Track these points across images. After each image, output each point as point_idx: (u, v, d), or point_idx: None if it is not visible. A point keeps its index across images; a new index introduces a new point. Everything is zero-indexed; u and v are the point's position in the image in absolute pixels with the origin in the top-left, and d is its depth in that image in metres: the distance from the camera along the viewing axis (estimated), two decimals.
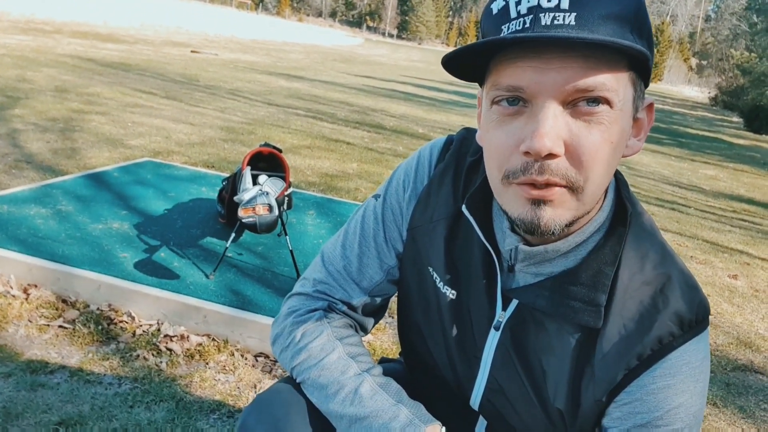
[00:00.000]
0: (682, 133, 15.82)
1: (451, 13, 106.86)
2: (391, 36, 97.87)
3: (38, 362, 1.94)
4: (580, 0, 0.63)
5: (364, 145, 6.62)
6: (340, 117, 8.42)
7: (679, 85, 75.26)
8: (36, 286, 2.32)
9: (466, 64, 0.71)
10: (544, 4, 0.63)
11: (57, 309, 2.23)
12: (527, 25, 0.64)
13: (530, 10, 0.64)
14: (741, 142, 16.60)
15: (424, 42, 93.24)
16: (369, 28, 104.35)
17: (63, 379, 1.88)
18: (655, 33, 77.65)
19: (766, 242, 5.27)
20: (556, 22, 0.63)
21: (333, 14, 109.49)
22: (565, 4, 0.63)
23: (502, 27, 0.67)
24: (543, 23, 0.63)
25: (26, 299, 2.25)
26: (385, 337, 2.43)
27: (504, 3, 0.67)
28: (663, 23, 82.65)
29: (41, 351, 2.00)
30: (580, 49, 0.63)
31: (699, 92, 57.05)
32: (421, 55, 45.95)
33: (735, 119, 25.97)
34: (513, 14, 0.66)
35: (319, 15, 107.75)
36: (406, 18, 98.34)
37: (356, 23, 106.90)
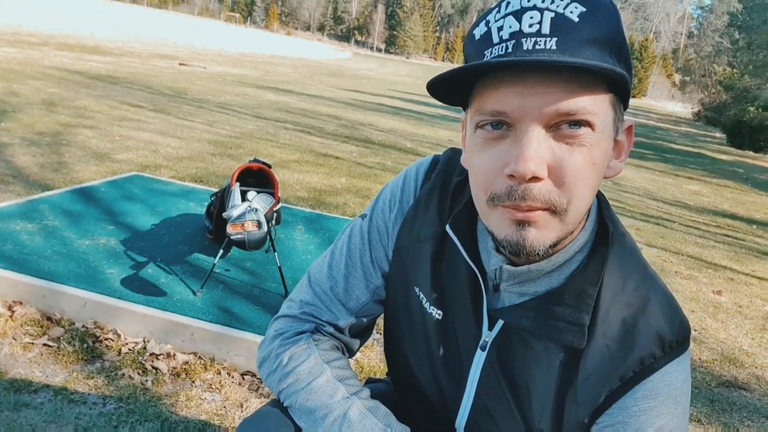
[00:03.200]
0: (666, 149, 16.01)
1: (438, 28, 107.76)
2: (379, 50, 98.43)
3: (22, 381, 1.91)
4: (560, 25, 0.64)
5: (352, 159, 6.63)
6: (328, 131, 8.45)
7: (663, 100, 76.33)
8: (21, 303, 2.30)
9: (449, 89, 0.72)
10: (526, 29, 0.65)
11: (42, 326, 2.20)
12: (509, 50, 0.65)
13: (512, 35, 0.66)
14: (724, 157, 16.83)
15: (412, 56, 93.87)
16: (357, 42, 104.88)
17: (47, 399, 1.85)
18: (639, 49, 78.83)
19: (749, 258, 5.34)
20: (537, 46, 0.64)
21: (321, 28, 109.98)
22: (546, 30, 0.64)
23: (485, 52, 0.68)
24: (525, 48, 0.65)
25: (11, 317, 2.22)
26: (372, 355, 2.42)
27: (486, 29, 0.69)
28: (646, 40, 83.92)
29: (25, 370, 1.98)
30: (562, 73, 0.65)
31: (682, 108, 57.91)
32: (409, 69, 46.24)
33: (718, 135, 26.34)
34: (495, 39, 0.67)
35: (308, 29, 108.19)
36: (394, 32, 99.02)
37: (344, 37, 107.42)
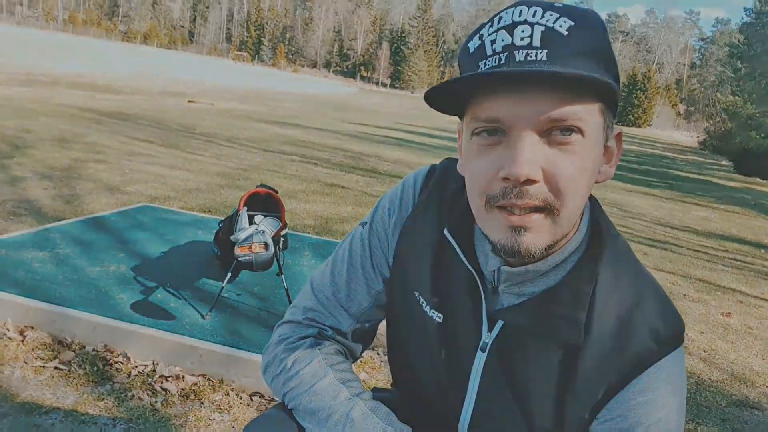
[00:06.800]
0: (673, 176, 16.03)
1: (442, 62, 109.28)
2: (384, 85, 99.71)
3: (33, 403, 1.93)
4: (550, 38, 0.69)
5: (359, 188, 6.70)
6: (335, 162, 8.54)
7: (668, 129, 76.64)
8: (32, 327, 2.33)
9: (447, 99, 0.76)
10: (518, 42, 0.69)
11: (53, 350, 2.23)
12: (503, 61, 0.70)
13: (505, 48, 0.70)
14: (731, 184, 16.81)
15: (417, 90, 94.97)
16: (363, 77, 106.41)
17: (58, 420, 1.87)
18: (642, 80, 79.47)
19: (758, 280, 5.30)
20: (529, 58, 0.68)
21: (327, 65, 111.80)
22: (536, 42, 0.69)
23: (479, 63, 0.72)
24: (517, 59, 0.69)
25: (22, 341, 2.25)
26: (380, 376, 2.43)
27: (480, 42, 0.73)
28: (649, 71, 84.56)
29: (37, 392, 2.00)
30: (553, 83, 0.69)
31: (688, 137, 58.12)
32: (414, 103, 46.76)
33: (725, 162, 26.36)
34: (489, 52, 0.71)
35: (314, 66, 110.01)
36: (399, 68, 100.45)
37: (350, 73, 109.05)
